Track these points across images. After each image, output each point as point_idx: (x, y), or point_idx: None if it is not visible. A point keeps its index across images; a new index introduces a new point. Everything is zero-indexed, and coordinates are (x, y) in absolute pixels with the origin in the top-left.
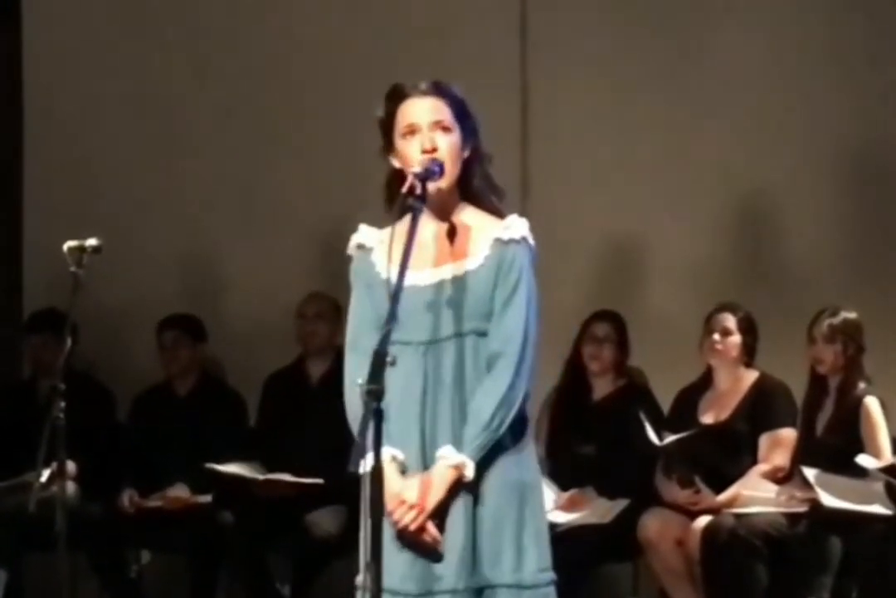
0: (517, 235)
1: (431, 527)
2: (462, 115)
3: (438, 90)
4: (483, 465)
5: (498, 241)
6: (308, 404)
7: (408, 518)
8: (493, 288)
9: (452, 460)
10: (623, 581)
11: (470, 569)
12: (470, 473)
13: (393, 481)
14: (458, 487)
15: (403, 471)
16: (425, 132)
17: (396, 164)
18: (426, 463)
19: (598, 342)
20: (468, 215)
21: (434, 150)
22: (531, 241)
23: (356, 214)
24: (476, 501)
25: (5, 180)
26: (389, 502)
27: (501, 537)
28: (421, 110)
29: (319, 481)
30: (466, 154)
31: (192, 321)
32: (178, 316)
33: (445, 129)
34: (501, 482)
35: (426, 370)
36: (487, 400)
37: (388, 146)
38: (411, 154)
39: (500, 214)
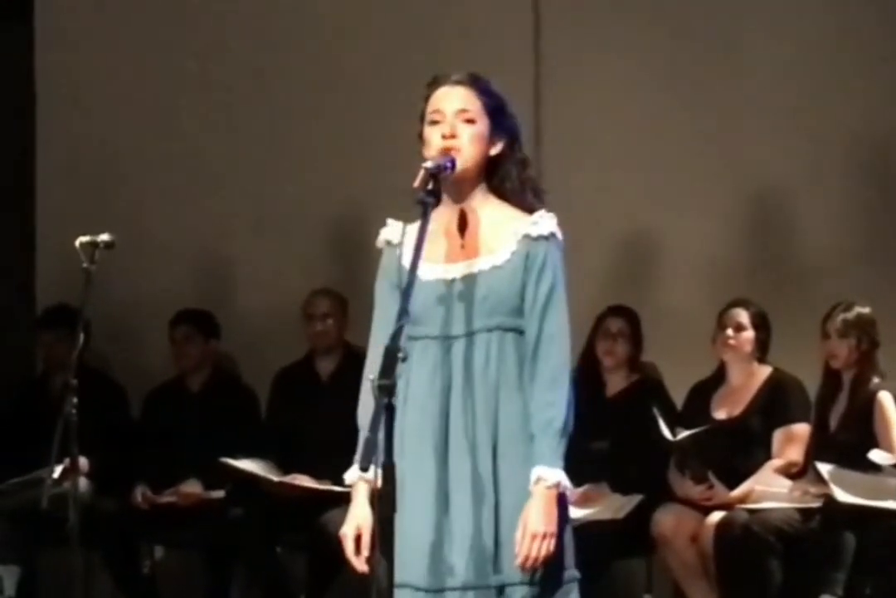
0: (546, 232)
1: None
2: (495, 111)
3: (472, 82)
4: (504, 463)
5: (526, 237)
6: (318, 400)
7: (544, 549)
8: (521, 285)
9: (551, 481)
10: (637, 577)
11: (492, 566)
12: (568, 483)
13: (358, 504)
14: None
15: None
16: (449, 120)
17: (426, 151)
18: (444, 458)
19: (612, 337)
20: (489, 207)
21: (453, 136)
22: (560, 237)
23: (370, 210)
24: (498, 499)
25: (18, 176)
26: (347, 523)
27: None
28: (448, 98)
29: (335, 488)
30: (496, 151)
31: (203, 317)
32: (189, 312)
33: (469, 120)
34: (523, 480)
35: (450, 365)
36: (554, 410)
37: (422, 135)
38: (433, 140)
39: (530, 210)
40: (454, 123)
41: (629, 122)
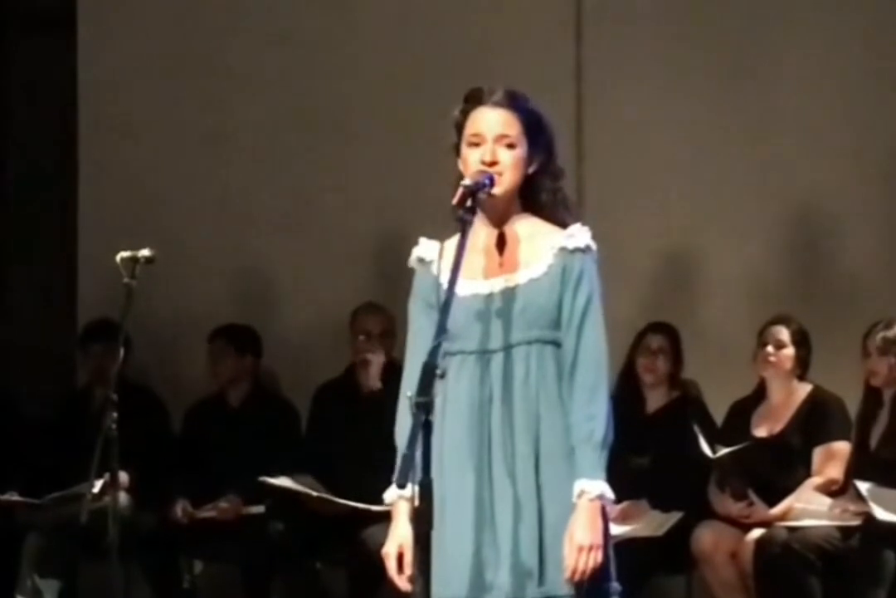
0: (582, 244)
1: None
2: (534, 129)
3: (512, 103)
4: (547, 477)
5: (563, 250)
6: (359, 415)
7: (591, 561)
8: (558, 297)
9: (594, 493)
10: (676, 594)
11: (536, 579)
12: (611, 495)
13: (400, 523)
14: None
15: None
16: (489, 144)
17: (461, 166)
18: (485, 473)
19: (652, 354)
20: (524, 224)
21: (494, 163)
22: (595, 249)
23: (408, 224)
24: (541, 512)
25: (59, 191)
26: (389, 542)
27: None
28: (489, 122)
29: (373, 507)
30: (532, 169)
31: (239, 332)
32: (226, 327)
33: (510, 145)
34: (566, 493)
35: (489, 379)
36: (594, 422)
37: (459, 147)
38: (472, 163)
39: (564, 226)
40: (494, 149)
41: (669, 139)
